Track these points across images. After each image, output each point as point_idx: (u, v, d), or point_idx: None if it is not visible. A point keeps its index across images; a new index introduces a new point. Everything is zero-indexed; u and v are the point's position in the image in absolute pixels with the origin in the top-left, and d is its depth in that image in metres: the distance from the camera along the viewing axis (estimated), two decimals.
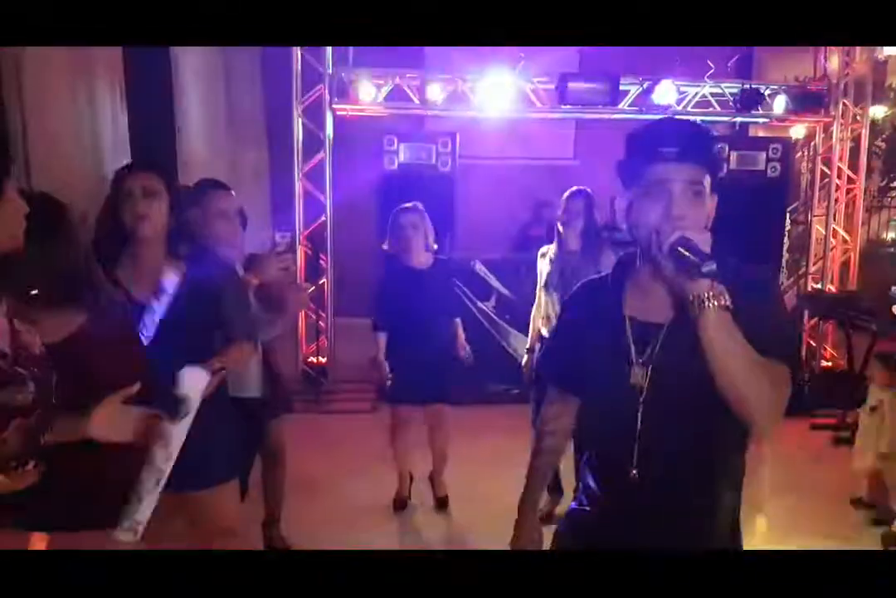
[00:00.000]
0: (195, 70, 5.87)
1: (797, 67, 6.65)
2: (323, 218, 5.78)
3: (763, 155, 5.96)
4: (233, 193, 2.47)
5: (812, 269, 6.58)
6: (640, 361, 1.34)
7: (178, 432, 1.44)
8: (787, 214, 7.18)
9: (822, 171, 6.44)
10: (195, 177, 4.83)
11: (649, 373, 1.33)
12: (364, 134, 6.00)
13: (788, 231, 7.54)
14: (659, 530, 1.36)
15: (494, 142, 7.00)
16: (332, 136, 5.84)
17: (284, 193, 6.03)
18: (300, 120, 5.78)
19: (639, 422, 1.34)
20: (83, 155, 4.13)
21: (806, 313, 6.42)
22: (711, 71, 5.90)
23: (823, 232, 6.43)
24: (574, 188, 3.63)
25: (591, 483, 1.48)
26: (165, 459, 1.40)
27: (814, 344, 6.44)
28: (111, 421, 1.34)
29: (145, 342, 1.75)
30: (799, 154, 8.16)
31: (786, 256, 7.41)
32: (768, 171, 5.98)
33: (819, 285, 6.42)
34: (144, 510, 1.39)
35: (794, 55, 7.04)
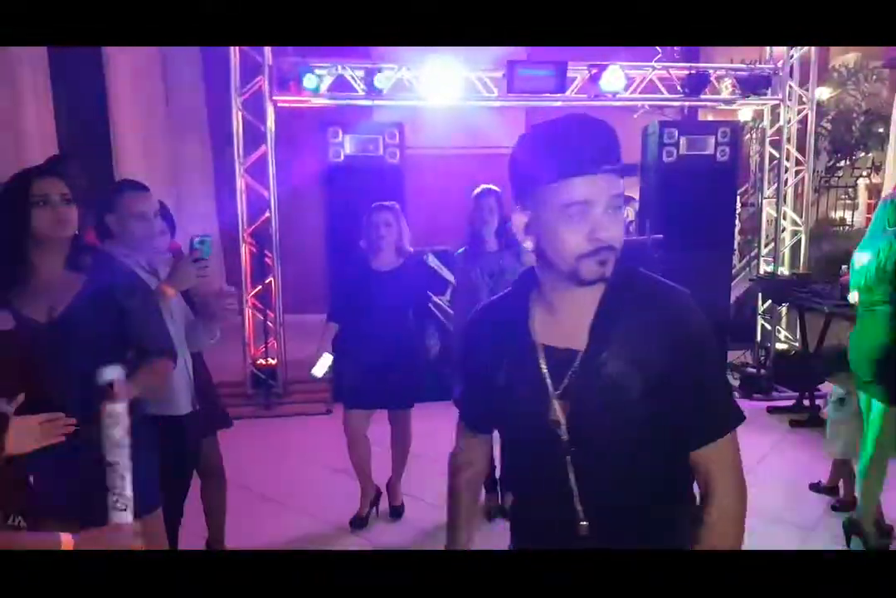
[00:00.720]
0: (130, 63, 5.65)
1: (743, 51, 6.65)
2: (267, 214, 5.60)
3: (712, 139, 5.95)
4: (151, 193, 2.32)
5: (764, 251, 6.62)
6: (557, 393, 1.18)
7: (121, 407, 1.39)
8: (738, 197, 7.23)
9: (770, 153, 6.46)
10: (131, 173, 4.66)
11: (569, 406, 1.17)
12: (308, 126, 5.83)
13: (739, 214, 7.61)
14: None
15: (443, 132, 6.89)
16: (273, 128, 5.66)
17: (229, 188, 5.84)
18: (240, 113, 5.58)
19: (569, 466, 1.18)
20: (5, 152, 3.93)
21: (759, 295, 6.46)
22: (659, 55, 5.85)
23: (774, 214, 6.47)
24: (483, 187, 3.59)
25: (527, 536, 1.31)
26: (122, 435, 1.38)
27: (768, 327, 6.49)
28: (16, 435, 1.47)
29: (46, 362, 1.63)
30: (748, 136, 8.22)
31: (737, 238, 7.47)
32: (718, 154, 5.98)
33: (771, 268, 6.45)
34: (128, 487, 1.37)
35: None
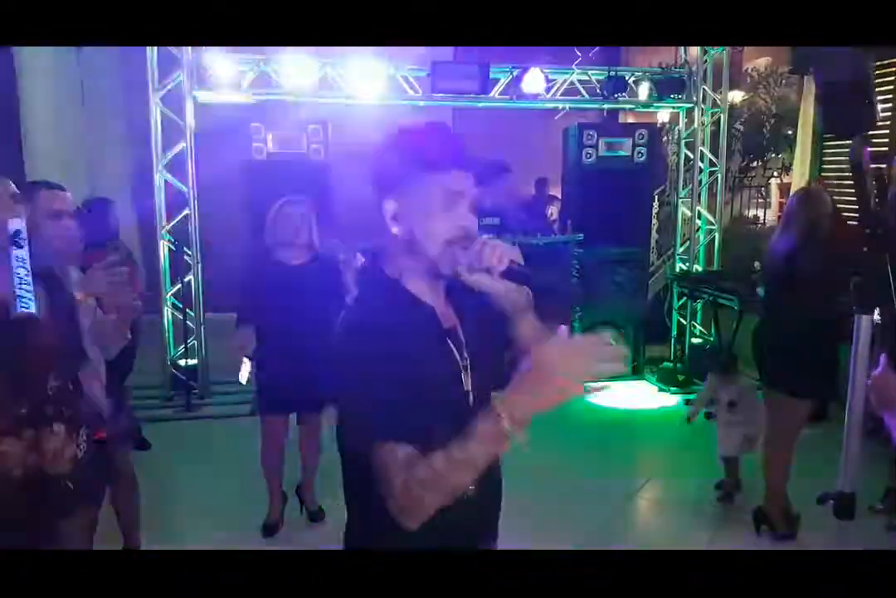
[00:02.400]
0: (41, 53, 5.44)
1: (661, 54, 6.86)
2: (186, 211, 5.49)
3: (630, 141, 6.13)
4: (67, 193, 2.25)
5: (679, 250, 6.85)
6: (463, 364, 1.30)
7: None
8: (655, 197, 7.47)
9: (685, 154, 6.69)
10: (45, 172, 4.49)
11: (471, 376, 1.30)
12: (229, 123, 5.73)
13: (657, 213, 7.86)
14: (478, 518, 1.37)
15: (369, 129, 6.85)
16: (193, 125, 5.55)
17: (147, 186, 5.70)
18: (158, 108, 5.45)
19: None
20: None
21: (675, 292, 6.70)
22: (579, 59, 5.99)
23: (689, 213, 6.71)
24: None
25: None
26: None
27: (684, 322, 6.73)
28: None
29: None
30: (666, 138, 8.48)
31: (654, 237, 7.73)
32: (635, 156, 6.16)
33: (686, 266, 6.69)
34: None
35: None
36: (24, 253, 1.75)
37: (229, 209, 5.71)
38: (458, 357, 1.30)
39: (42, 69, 5.44)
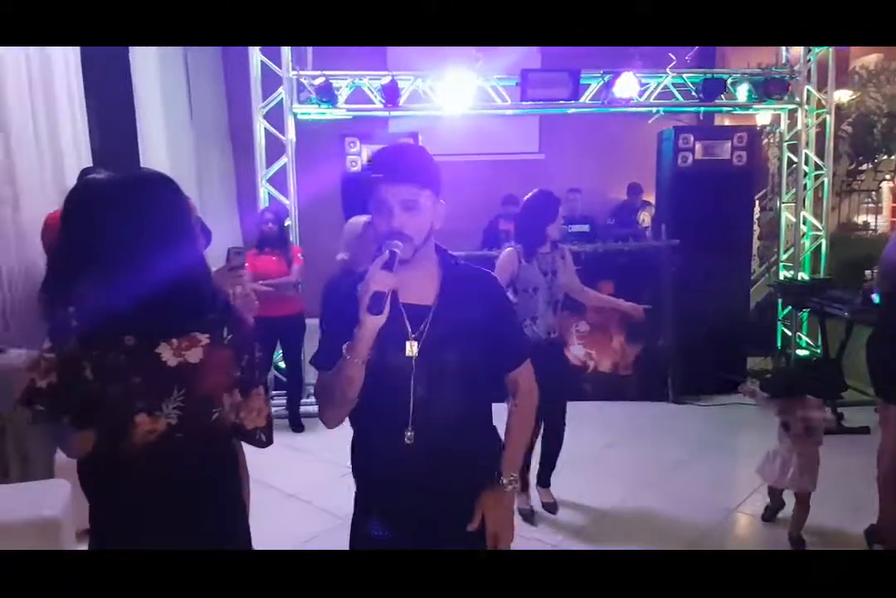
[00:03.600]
0: (156, 74, 5.81)
1: (759, 55, 6.65)
2: (288, 222, 5.72)
3: (728, 144, 5.94)
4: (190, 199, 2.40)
5: (783, 256, 6.58)
6: (413, 336, 1.62)
7: None
8: (756, 202, 7.20)
9: (789, 157, 6.44)
10: None
11: (420, 345, 1.62)
12: (326, 137, 5.94)
13: (758, 218, 7.58)
14: (435, 472, 1.64)
15: (459, 139, 6.97)
16: (294, 139, 5.79)
17: (250, 197, 5.98)
18: (262, 124, 5.72)
19: (412, 387, 1.62)
20: (41, 160, 4.07)
21: (780, 301, 6.43)
22: (673, 62, 5.88)
23: (794, 219, 6.44)
24: (542, 189, 3.67)
25: (366, 454, 1.73)
26: None
27: (789, 333, 6.45)
28: None
29: None
30: (766, 141, 8.18)
31: (756, 243, 7.44)
32: (734, 159, 5.97)
33: (791, 273, 6.42)
34: None
35: None
36: None
37: (325, 220, 5.90)
38: (408, 328, 1.62)
39: (154, 91, 5.80)
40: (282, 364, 5.57)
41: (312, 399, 5.72)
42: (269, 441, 1.67)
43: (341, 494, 3.72)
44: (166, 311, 1.48)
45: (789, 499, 3.56)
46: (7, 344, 3.27)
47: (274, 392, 5.66)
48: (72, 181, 3.43)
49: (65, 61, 4.31)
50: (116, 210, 1.49)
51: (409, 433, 1.62)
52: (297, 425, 5.20)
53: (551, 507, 3.84)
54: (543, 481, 3.93)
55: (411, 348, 1.62)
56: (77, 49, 4.48)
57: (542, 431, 3.76)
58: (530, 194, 3.70)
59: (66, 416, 1.48)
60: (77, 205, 2.00)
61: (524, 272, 3.58)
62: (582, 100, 5.90)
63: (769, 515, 3.68)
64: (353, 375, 1.57)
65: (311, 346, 5.66)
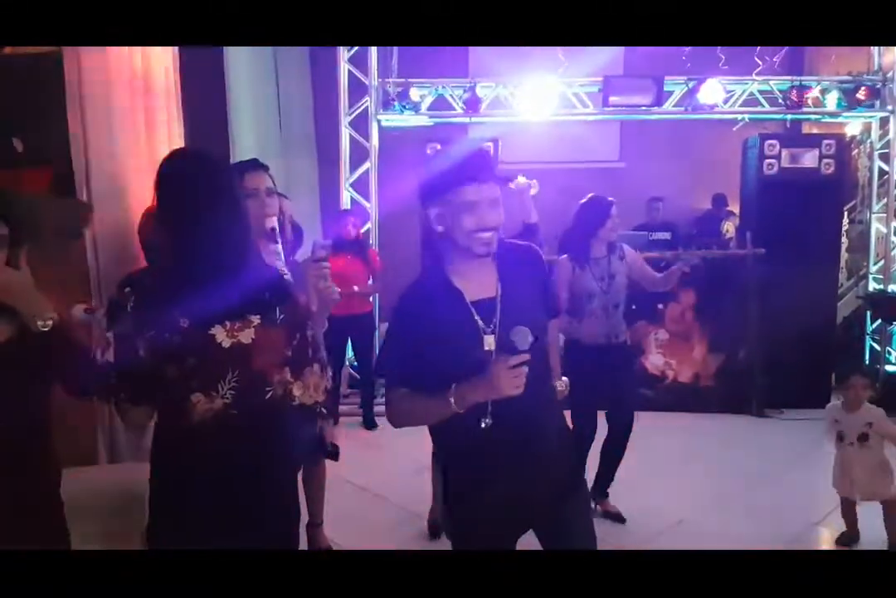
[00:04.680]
0: (248, 83, 6.05)
1: (849, 62, 6.47)
2: (369, 225, 5.85)
3: (816, 152, 5.78)
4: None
5: (873, 268, 6.35)
6: (489, 331, 1.69)
7: None
8: (846, 213, 6.97)
9: (880, 167, 6.23)
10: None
11: (497, 338, 1.68)
12: (409, 143, 6.07)
13: (846, 231, 7.32)
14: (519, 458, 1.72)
15: (540, 146, 6.98)
16: (377, 145, 5.93)
17: (334, 202, 6.14)
18: (347, 131, 5.89)
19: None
20: (141, 168, 4.29)
21: (868, 314, 6.19)
22: (759, 68, 5.79)
23: (884, 230, 6.21)
24: (596, 195, 3.65)
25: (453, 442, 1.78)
26: None
27: (878, 348, 6.20)
28: None
29: None
30: (856, 151, 7.92)
31: (845, 256, 7.19)
32: (822, 168, 5.80)
33: (881, 286, 6.18)
34: None
35: (845, 49, 6.87)
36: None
37: (405, 224, 6.01)
38: (480, 325, 1.70)
39: (245, 99, 6.03)
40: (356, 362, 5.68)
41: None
42: (332, 413, 1.73)
43: (416, 489, 3.84)
44: (219, 292, 1.52)
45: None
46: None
47: (348, 390, 5.76)
48: None
49: (164, 74, 4.55)
50: (174, 189, 1.57)
51: (486, 420, 1.67)
52: (370, 423, 5.28)
53: (616, 517, 3.69)
54: (601, 493, 3.75)
55: (489, 343, 1.69)
56: (176, 60, 4.70)
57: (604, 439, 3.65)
58: (581, 201, 3.68)
59: (122, 392, 1.55)
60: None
61: (578, 280, 3.55)
62: (665, 106, 5.87)
63: (845, 540, 3.47)
64: (447, 415, 1.65)
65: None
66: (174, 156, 1.67)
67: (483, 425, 1.67)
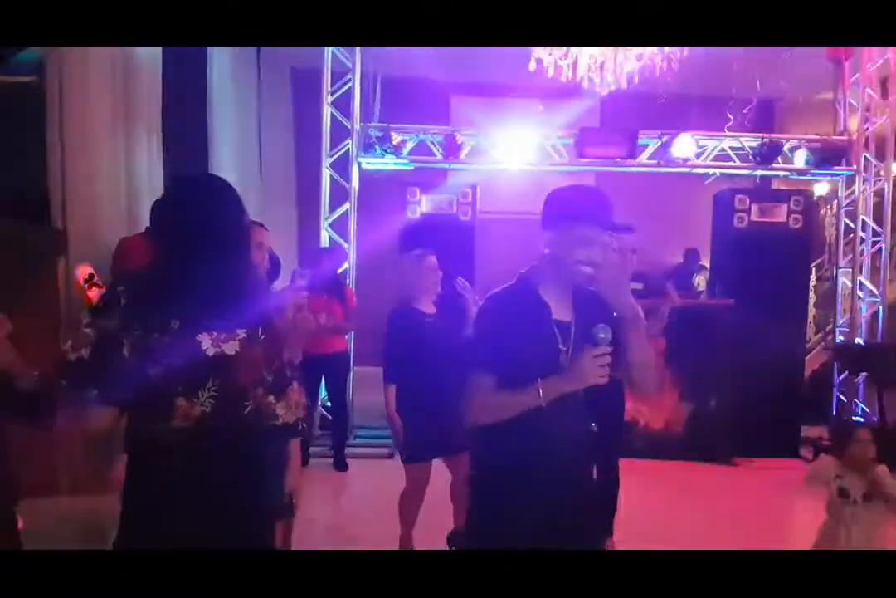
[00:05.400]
0: (230, 116, 6.14)
1: (816, 124, 6.74)
2: (346, 265, 5.88)
3: (785, 207, 5.96)
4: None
5: (840, 321, 6.47)
6: (564, 349, 1.83)
7: None
8: (813, 270, 7.14)
9: (846, 224, 6.43)
10: None
11: (570, 356, 1.81)
12: (389, 186, 6.17)
13: (814, 287, 7.49)
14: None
15: (514, 196, 7.12)
16: (357, 187, 6.02)
17: (312, 242, 6.17)
18: (328, 173, 5.97)
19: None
20: (117, 200, 4.30)
21: (836, 366, 6.28)
22: (731, 122, 6.01)
23: (850, 285, 6.36)
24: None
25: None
26: None
27: (844, 399, 6.27)
28: None
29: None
30: (823, 211, 8.17)
31: (813, 311, 7.33)
32: (790, 222, 5.97)
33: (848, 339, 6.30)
34: None
35: (812, 111, 7.17)
36: None
37: (385, 265, 6.05)
38: (559, 341, 1.82)
39: (228, 142, 6.12)
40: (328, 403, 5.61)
41: (357, 440, 5.73)
42: (309, 430, 1.76)
43: (388, 529, 3.74)
44: (212, 303, 1.56)
45: None
46: None
47: (319, 432, 5.68)
48: (145, 220, 3.66)
49: (146, 106, 4.62)
50: (181, 206, 1.63)
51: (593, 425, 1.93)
52: (341, 464, 5.19)
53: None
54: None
55: (564, 360, 1.82)
56: (159, 90, 4.77)
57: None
58: None
59: (95, 390, 1.52)
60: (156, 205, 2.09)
61: None
62: (639, 159, 6.04)
63: None
64: (527, 407, 1.77)
65: (357, 387, 5.70)
66: (186, 180, 1.77)
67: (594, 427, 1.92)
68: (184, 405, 1.54)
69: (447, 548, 3.65)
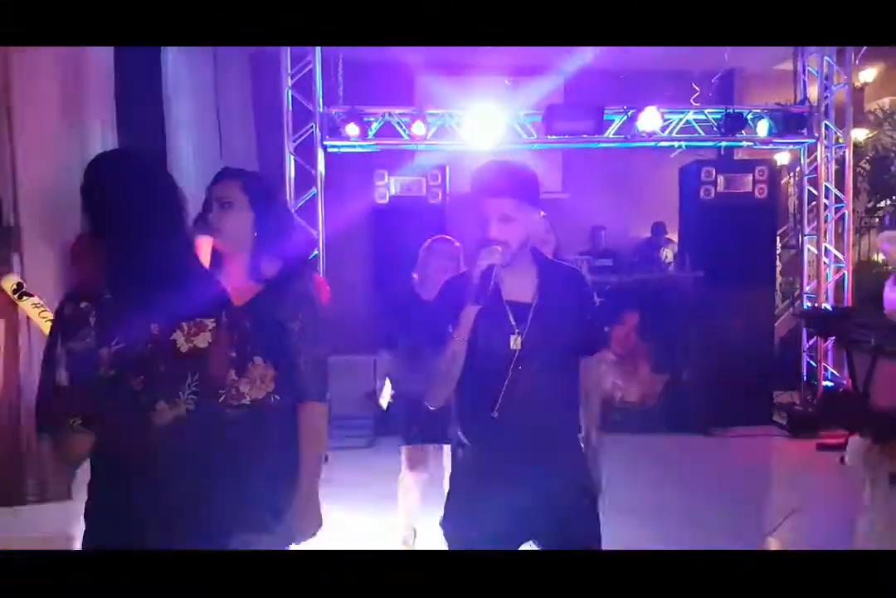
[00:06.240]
0: (187, 109, 5.98)
1: (777, 93, 6.79)
2: (316, 252, 5.80)
3: (750, 177, 6.04)
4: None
5: (807, 288, 6.59)
6: (517, 331, 1.80)
7: None
8: (778, 238, 7.25)
9: (809, 192, 6.52)
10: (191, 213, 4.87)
11: (523, 339, 1.79)
12: (356, 170, 6.09)
13: (780, 255, 7.61)
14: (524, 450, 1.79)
15: None
16: (323, 172, 5.93)
17: None
18: (292, 157, 5.87)
19: (508, 373, 1.79)
20: (71, 196, 4.18)
21: (804, 331, 6.41)
22: (697, 93, 6.03)
23: (815, 251, 6.47)
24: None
25: (465, 424, 1.88)
26: None
27: (814, 364, 6.41)
28: None
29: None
30: (785, 180, 8.28)
31: (779, 279, 7.46)
32: (756, 192, 6.05)
33: (815, 305, 6.42)
34: None
35: (773, 81, 7.22)
36: None
37: (357, 250, 6.00)
38: (511, 323, 1.80)
39: (186, 132, 5.96)
40: None
41: (334, 432, 5.69)
42: (284, 399, 1.74)
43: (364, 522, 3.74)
44: (176, 300, 1.50)
45: None
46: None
47: None
48: None
49: (97, 95, 4.47)
50: (102, 188, 1.57)
51: (494, 414, 1.78)
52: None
53: None
54: None
55: (515, 342, 1.79)
56: (111, 85, 4.63)
57: None
58: None
59: (78, 417, 1.46)
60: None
61: None
62: (606, 135, 6.03)
63: None
64: (457, 351, 1.78)
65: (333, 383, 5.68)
66: (108, 158, 1.67)
67: (493, 414, 1.78)
68: (164, 408, 1.50)
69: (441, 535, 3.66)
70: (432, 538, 3.43)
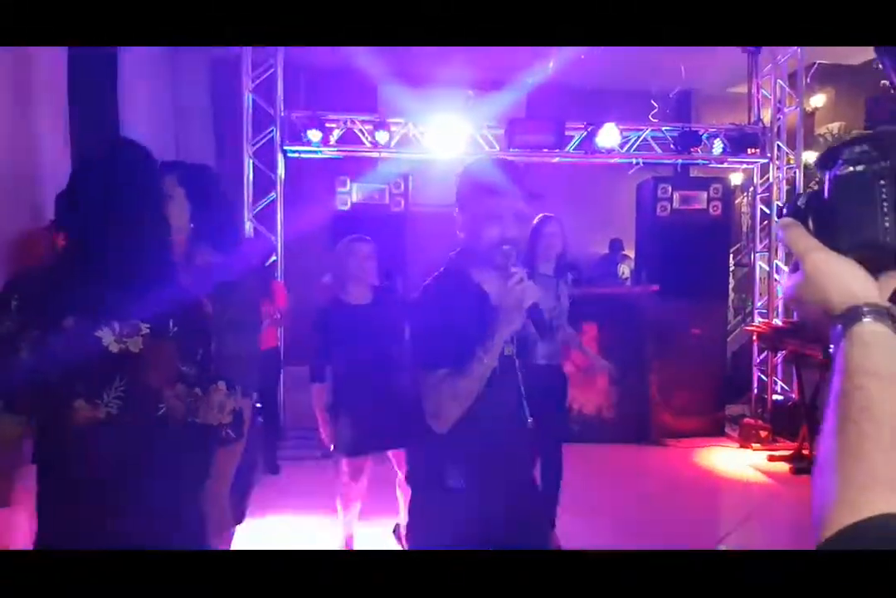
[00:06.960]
0: (143, 111, 5.87)
1: (732, 115, 6.98)
2: (274, 258, 5.73)
3: (705, 194, 6.17)
4: None
5: (758, 304, 6.74)
6: (510, 338, 1.73)
7: None
8: (731, 256, 7.42)
9: (761, 210, 6.69)
10: None
11: (515, 345, 1.77)
12: (317, 175, 6.04)
13: (733, 272, 7.79)
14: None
15: (447, 187, 7.11)
16: (283, 177, 5.86)
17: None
18: (251, 161, 5.80)
19: (519, 377, 1.78)
20: (20, 194, 4.06)
21: (755, 346, 6.54)
22: (655, 109, 6.15)
23: (767, 268, 6.63)
24: (545, 215, 3.69)
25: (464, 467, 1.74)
26: None
27: (764, 378, 6.54)
28: None
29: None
30: (739, 199, 8.50)
31: (731, 295, 7.62)
32: (710, 209, 6.18)
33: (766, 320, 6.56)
34: None
35: (729, 102, 7.42)
36: None
37: (316, 257, 5.93)
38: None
39: (141, 124, 5.85)
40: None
41: (290, 442, 5.59)
42: (239, 436, 1.62)
43: (323, 532, 3.67)
44: (110, 297, 1.45)
45: None
46: None
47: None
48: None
49: (50, 96, 4.37)
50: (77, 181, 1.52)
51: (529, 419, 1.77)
52: (273, 467, 5.04)
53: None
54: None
55: (508, 350, 1.76)
56: (64, 92, 4.53)
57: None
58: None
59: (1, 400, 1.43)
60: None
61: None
62: (566, 149, 6.11)
63: None
64: (485, 375, 1.64)
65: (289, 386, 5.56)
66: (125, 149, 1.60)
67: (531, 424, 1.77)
68: (84, 407, 1.42)
69: (392, 540, 3.63)
70: (369, 544, 3.56)
